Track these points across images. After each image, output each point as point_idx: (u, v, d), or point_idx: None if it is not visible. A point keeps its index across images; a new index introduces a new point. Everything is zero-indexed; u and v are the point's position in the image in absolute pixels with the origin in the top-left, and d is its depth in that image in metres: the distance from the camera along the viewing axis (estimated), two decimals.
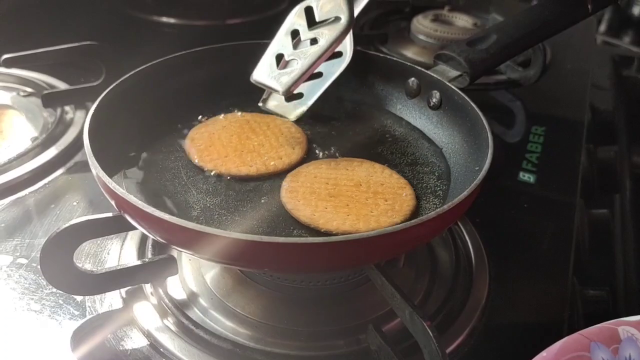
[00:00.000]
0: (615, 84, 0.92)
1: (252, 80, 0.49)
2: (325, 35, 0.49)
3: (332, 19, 0.49)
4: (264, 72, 0.49)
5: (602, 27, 1.36)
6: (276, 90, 0.48)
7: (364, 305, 0.45)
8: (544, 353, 0.36)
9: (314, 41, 0.49)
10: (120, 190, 0.37)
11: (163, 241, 0.38)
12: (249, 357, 0.41)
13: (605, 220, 0.63)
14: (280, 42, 0.51)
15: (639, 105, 0.90)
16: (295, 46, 0.50)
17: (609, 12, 1.35)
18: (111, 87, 0.48)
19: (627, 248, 0.63)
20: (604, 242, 0.62)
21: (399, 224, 0.38)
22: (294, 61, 0.49)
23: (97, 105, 0.45)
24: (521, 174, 0.62)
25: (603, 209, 0.64)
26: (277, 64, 0.50)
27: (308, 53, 0.49)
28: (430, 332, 0.34)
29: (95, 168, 0.39)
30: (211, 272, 0.47)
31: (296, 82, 0.48)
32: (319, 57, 0.49)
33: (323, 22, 0.50)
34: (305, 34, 0.50)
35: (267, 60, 0.50)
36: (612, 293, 0.53)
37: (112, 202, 0.39)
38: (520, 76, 0.78)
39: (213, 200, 0.45)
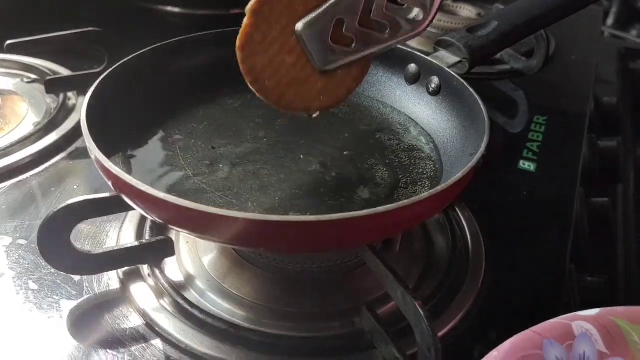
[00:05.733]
0: (621, 76, 0.91)
1: (296, 30, 0.42)
2: (397, 29, 0.42)
3: (412, 10, 0.43)
4: (313, 30, 0.42)
5: (610, 21, 1.36)
6: (314, 60, 0.42)
7: (359, 289, 0.46)
8: (494, 352, 0.35)
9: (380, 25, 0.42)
10: (116, 169, 0.37)
11: (160, 221, 0.38)
12: (243, 337, 0.41)
13: (606, 208, 0.62)
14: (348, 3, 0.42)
15: None
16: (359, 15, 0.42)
17: (617, 5, 1.35)
18: (111, 69, 0.48)
19: (629, 239, 0.63)
20: (604, 230, 0.61)
21: None
22: (351, 40, 0.42)
23: (96, 87, 0.46)
24: (521, 162, 0.62)
25: (603, 197, 0.64)
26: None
27: (370, 39, 0.42)
28: (421, 312, 0.34)
29: (92, 148, 0.39)
30: (209, 254, 0.48)
31: (338, 67, 0.43)
32: (379, 50, 0.43)
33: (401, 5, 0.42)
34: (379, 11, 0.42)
35: (324, 20, 0.42)
36: (610, 280, 0.52)
37: (109, 183, 0.39)
38: (523, 66, 0.78)
39: (210, 179, 0.45)
